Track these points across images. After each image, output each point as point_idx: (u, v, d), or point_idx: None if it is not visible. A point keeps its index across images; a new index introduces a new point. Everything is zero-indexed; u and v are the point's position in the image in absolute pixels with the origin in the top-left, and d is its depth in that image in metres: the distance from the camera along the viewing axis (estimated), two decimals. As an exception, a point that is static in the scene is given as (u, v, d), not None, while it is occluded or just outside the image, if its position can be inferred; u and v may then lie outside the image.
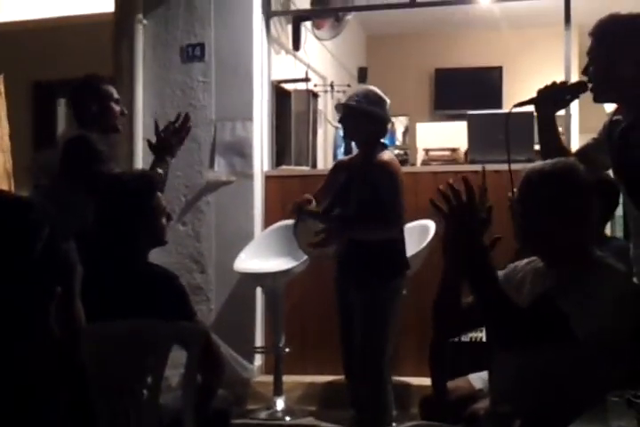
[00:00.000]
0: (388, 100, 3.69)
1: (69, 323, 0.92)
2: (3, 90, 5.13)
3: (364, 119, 3.63)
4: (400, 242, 3.68)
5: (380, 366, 3.62)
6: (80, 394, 2.39)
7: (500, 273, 2.23)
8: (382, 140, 3.74)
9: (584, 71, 2.60)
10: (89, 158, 3.33)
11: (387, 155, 3.64)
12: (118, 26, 5.04)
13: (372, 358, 3.61)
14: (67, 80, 4.92)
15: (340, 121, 3.87)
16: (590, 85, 2.58)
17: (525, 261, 2.31)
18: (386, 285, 3.61)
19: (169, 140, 3.51)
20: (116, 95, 3.63)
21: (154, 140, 3.57)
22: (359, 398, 3.70)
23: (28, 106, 5.35)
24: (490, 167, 4.44)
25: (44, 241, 0.96)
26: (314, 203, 3.62)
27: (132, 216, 2.82)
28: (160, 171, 3.45)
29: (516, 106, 2.62)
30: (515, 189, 2.22)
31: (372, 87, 3.77)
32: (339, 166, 3.88)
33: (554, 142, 2.70)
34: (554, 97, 2.66)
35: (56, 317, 0.99)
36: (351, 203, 3.61)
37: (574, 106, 5.98)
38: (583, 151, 2.73)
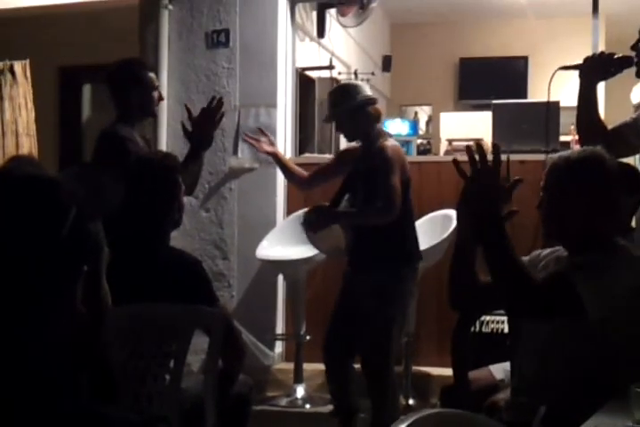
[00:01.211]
0: (363, 86, 3.69)
1: (95, 303, 0.92)
2: (29, 75, 5.16)
3: (347, 119, 3.63)
4: (406, 230, 3.58)
5: (385, 359, 3.51)
6: (104, 375, 2.41)
7: (524, 259, 2.22)
8: (383, 128, 3.75)
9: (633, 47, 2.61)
10: (121, 154, 3.30)
11: (388, 142, 3.59)
12: (144, 11, 5.04)
13: (377, 349, 3.52)
14: (92, 65, 4.95)
15: (337, 129, 3.97)
16: (636, 60, 2.60)
17: (549, 249, 2.31)
18: (393, 273, 3.52)
19: (205, 126, 3.43)
20: (157, 82, 3.64)
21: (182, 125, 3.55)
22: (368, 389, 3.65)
23: (54, 90, 5.36)
24: (514, 157, 4.42)
25: (70, 221, 0.95)
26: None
27: (156, 197, 2.84)
28: (195, 168, 3.41)
29: (560, 69, 2.64)
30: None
31: (342, 84, 3.95)
32: (345, 155, 3.87)
33: (591, 114, 2.70)
34: (599, 66, 2.67)
35: (82, 297, 0.99)
36: (357, 192, 3.59)
37: (600, 97, 5.94)
38: (619, 129, 2.72)
